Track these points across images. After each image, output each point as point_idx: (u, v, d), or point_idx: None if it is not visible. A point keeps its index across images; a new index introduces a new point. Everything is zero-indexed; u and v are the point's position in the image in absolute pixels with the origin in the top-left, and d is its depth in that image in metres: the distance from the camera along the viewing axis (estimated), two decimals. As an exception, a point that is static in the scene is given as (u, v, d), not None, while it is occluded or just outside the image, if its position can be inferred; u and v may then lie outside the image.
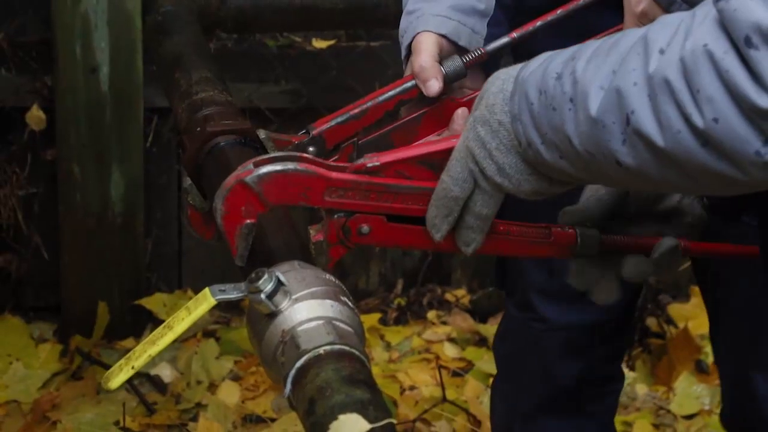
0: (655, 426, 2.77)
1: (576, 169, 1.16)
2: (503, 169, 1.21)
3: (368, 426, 0.96)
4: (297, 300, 1.10)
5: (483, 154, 1.22)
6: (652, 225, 1.38)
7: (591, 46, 1.14)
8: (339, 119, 1.57)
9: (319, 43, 3.02)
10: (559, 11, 1.61)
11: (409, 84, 1.58)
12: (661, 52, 1.04)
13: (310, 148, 1.56)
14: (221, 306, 3.09)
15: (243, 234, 1.24)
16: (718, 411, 2.81)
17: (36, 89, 2.90)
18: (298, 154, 1.26)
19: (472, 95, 1.62)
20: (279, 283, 1.10)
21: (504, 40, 1.61)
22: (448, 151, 1.28)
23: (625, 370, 2.95)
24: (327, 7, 2.93)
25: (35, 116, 2.90)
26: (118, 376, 1.10)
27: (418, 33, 1.56)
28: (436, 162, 1.29)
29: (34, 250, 3.02)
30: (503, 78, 1.22)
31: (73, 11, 2.79)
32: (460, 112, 1.56)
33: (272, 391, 2.83)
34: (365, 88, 2.98)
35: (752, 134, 0.99)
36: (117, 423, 2.72)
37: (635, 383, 2.90)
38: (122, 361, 1.12)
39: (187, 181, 1.43)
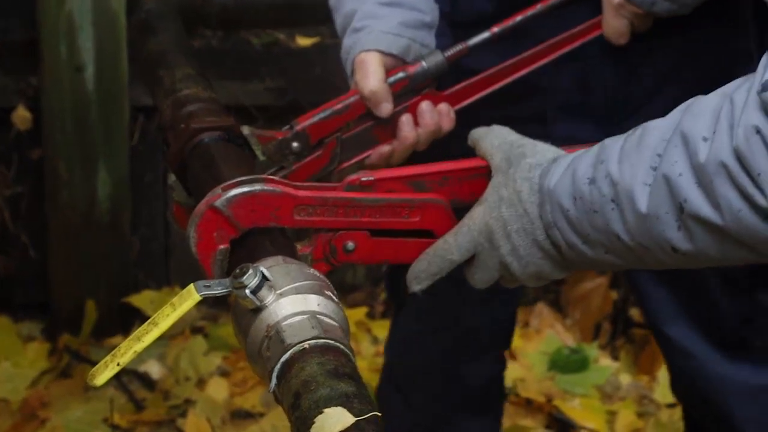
0: (639, 415, 2.79)
1: (626, 261, 1.20)
2: (517, 250, 1.27)
3: (353, 419, 0.96)
4: (282, 295, 1.10)
5: (502, 234, 1.27)
6: None
7: (613, 146, 1.19)
8: (322, 115, 1.59)
9: (303, 41, 3.03)
10: (539, 6, 1.63)
11: (392, 79, 1.60)
12: (705, 140, 1.08)
13: (294, 144, 1.57)
14: (209, 302, 3.10)
15: (218, 261, 1.25)
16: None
17: (22, 89, 2.90)
18: (264, 176, 1.28)
19: (454, 89, 1.64)
20: (263, 278, 1.10)
21: (485, 35, 1.62)
22: (440, 173, 1.32)
23: (609, 360, 2.98)
24: (310, 3, 2.94)
25: (21, 116, 2.91)
26: (104, 373, 1.10)
27: (362, 51, 1.57)
28: (425, 183, 1.32)
29: (21, 249, 3.03)
30: (531, 163, 1.27)
31: (57, 12, 2.80)
32: (405, 119, 1.59)
33: (260, 386, 2.84)
34: (349, 84, 2.99)
35: None
36: (106, 420, 2.73)
37: (619, 373, 2.92)
38: (108, 357, 1.11)
39: (172, 178, 1.43)
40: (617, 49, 1.65)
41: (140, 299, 3.02)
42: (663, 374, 2.88)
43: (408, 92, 1.61)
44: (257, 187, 1.25)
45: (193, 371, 2.90)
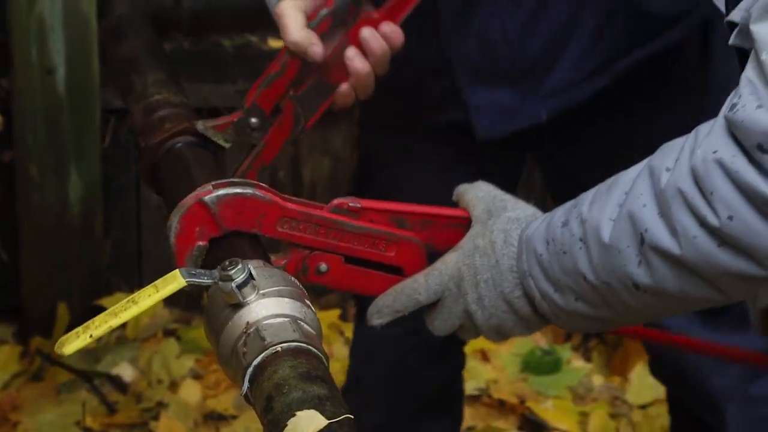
0: (612, 416, 2.81)
1: (593, 307, 1.21)
2: (482, 300, 1.28)
3: (325, 422, 0.97)
4: (264, 295, 1.11)
5: (471, 282, 1.28)
6: None
7: (588, 192, 1.21)
8: (263, 84, 1.52)
9: (275, 43, 3.03)
10: None
11: (315, 22, 1.49)
12: (668, 170, 1.10)
13: (252, 120, 1.53)
14: (181, 305, 3.10)
15: (193, 256, 1.25)
16: (673, 400, 2.85)
17: (-8, 91, 2.89)
18: (256, 182, 1.28)
19: (390, 3, 1.53)
20: (250, 276, 1.11)
21: None
22: (423, 215, 1.34)
23: (582, 362, 2.99)
24: (282, 7, 2.93)
25: (-8, 119, 2.90)
26: (74, 343, 1.07)
27: (277, 3, 1.50)
28: (407, 222, 1.33)
29: (-8, 253, 3.02)
30: (510, 216, 1.29)
31: (28, 14, 2.78)
32: (350, 54, 1.50)
33: (233, 389, 2.83)
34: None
35: (766, 227, 1.05)
36: (78, 423, 2.72)
37: (592, 374, 2.93)
38: (80, 328, 1.08)
39: (154, 197, 1.43)
40: (513, 3, 1.62)
41: (112, 302, 2.96)
42: (635, 375, 2.89)
43: (339, 25, 1.52)
44: (249, 190, 1.26)
45: (166, 374, 2.89)
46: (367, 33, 1.49)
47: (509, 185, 1.49)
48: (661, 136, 1.20)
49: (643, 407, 2.82)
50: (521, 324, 1.30)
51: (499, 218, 1.29)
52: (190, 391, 2.83)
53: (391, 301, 1.33)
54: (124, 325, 3.03)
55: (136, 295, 1.11)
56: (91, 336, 1.07)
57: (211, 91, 2.99)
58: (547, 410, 2.81)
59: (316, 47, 1.48)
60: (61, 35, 2.80)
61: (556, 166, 1.87)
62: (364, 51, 1.51)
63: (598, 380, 2.92)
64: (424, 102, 1.74)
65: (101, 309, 3.15)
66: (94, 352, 2.93)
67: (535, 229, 1.25)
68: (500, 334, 1.31)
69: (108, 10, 2.66)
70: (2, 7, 2.82)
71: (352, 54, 1.50)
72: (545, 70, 1.67)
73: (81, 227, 2.95)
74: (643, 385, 2.89)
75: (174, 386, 2.86)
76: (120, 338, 3.00)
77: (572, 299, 1.22)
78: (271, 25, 3.21)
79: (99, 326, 1.08)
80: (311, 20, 1.50)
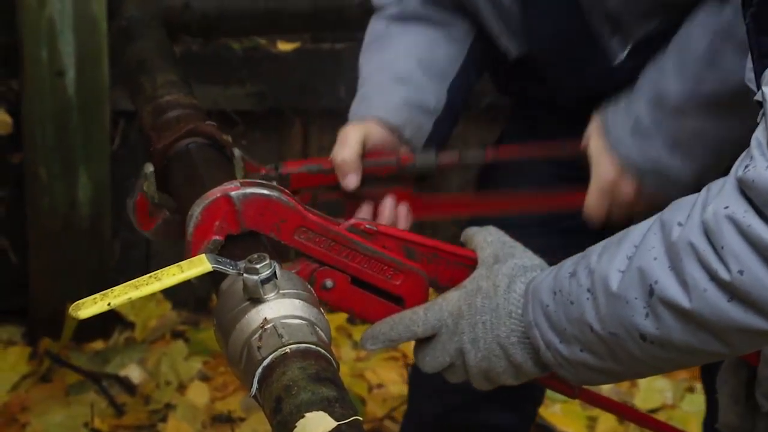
0: (620, 420, 2.81)
1: (598, 358, 1.22)
2: (477, 341, 1.29)
3: (334, 423, 0.97)
4: (285, 295, 1.12)
5: (470, 321, 1.29)
6: None
7: (597, 246, 1.22)
8: (310, 167, 1.59)
9: (284, 46, 3.03)
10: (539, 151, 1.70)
11: (383, 161, 1.61)
12: (680, 224, 1.11)
13: (273, 183, 1.58)
14: (190, 306, 3.10)
15: (208, 249, 1.25)
16: (680, 405, 2.85)
17: (2, 93, 2.89)
18: (282, 187, 1.29)
19: (426, 199, 1.66)
20: (274, 275, 1.12)
21: (479, 154, 1.68)
22: (433, 249, 1.35)
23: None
24: (291, 11, 2.94)
25: (1, 120, 2.89)
26: (90, 308, 1.08)
27: (350, 123, 1.60)
28: (416, 252, 1.34)
29: (1, 254, 3.02)
30: (516, 263, 1.30)
31: (38, 15, 2.79)
32: (388, 203, 1.61)
33: (241, 390, 2.84)
34: (330, 89, 2.99)
35: None
36: (86, 424, 2.72)
37: (599, 378, 2.93)
38: (98, 295, 1.08)
39: (149, 168, 1.43)
40: None
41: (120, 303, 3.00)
42: (643, 380, 2.89)
43: (393, 178, 1.62)
44: (275, 193, 1.27)
45: (174, 376, 2.89)
46: (388, 202, 1.61)
47: None
48: None
49: (651, 412, 2.82)
50: (511, 370, 1.30)
51: (505, 264, 1.31)
52: (198, 393, 2.84)
53: (388, 330, 1.33)
54: (132, 327, 3.03)
55: (159, 272, 1.11)
56: (109, 304, 1.07)
57: (220, 93, 2.99)
58: (555, 414, 2.81)
59: (353, 177, 1.57)
60: (71, 37, 2.81)
61: None
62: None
63: (606, 385, 2.91)
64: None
65: (109, 310, 3.16)
66: (102, 353, 2.94)
67: (542, 280, 1.26)
68: (488, 379, 1.32)
69: (118, 13, 2.66)
70: (12, 9, 2.82)
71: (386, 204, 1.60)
72: None
73: (89, 229, 2.95)
74: (650, 389, 2.89)
75: (182, 388, 2.87)
76: (128, 340, 3.00)
77: (577, 350, 1.22)
78: (279, 28, 3.21)
79: (118, 296, 1.08)
80: (380, 158, 1.59)
